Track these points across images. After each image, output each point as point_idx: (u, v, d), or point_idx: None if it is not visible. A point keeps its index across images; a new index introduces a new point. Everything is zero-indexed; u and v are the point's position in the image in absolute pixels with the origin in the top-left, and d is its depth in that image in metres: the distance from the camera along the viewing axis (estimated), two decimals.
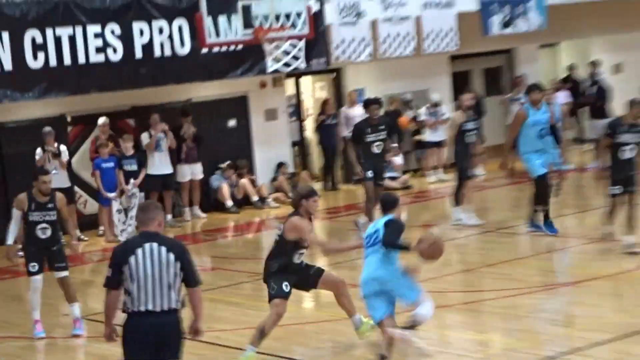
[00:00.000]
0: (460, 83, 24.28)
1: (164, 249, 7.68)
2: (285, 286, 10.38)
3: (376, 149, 16.67)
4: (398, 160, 22.27)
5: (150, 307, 7.66)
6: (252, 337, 10.43)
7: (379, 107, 17.68)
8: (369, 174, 16.60)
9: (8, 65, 17.36)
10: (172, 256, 7.68)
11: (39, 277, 12.29)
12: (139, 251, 7.67)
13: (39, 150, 18.08)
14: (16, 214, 12.36)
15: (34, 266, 12.25)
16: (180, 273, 7.71)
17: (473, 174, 17.76)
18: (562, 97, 22.54)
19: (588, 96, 23.79)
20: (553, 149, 16.05)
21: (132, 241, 8.13)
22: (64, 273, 12.44)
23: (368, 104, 17.25)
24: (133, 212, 18.55)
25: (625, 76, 25.14)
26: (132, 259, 7.66)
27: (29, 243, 12.38)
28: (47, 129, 18.29)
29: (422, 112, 22.80)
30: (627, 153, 14.03)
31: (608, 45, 25.95)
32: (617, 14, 25.26)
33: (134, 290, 7.66)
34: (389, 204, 9.93)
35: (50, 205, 12.26)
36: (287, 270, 10.43)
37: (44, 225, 12.20)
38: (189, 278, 7.81)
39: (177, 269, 7.69)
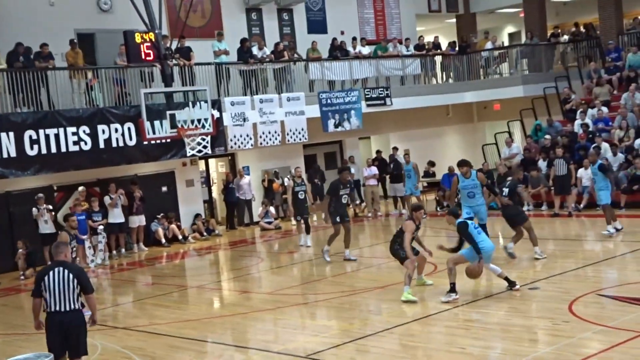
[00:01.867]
0: (309, 161, 24.40)
1: (66, 271, 7.93)
2: (403, 253, 11.66)
3: (343, 199, 15.49)
4: (272, 210, 22.16)
5: (58, 308, 7.89)
6: (405, 280, 11.36)
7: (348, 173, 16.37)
8: (338, 219, 15.28)
9: (13, 153, 16.88)
10: (71, 275, 7.91)
11: None
12: (51, 273, 7.94)
13: (34, 209, 17.51)
14: None
15: None
16: (78, 286, 7.92)
17: (302, 218, 17.74)
18: (373, 169, 22.74)
19: (390, 170, 24.00)
20: None
21: (47, 266, 8.29)
22: None
23: (341, 170, 15.97)
24: (100, 247, 18.10)
25: (412, 157, 25.60)
26: (46, 278, 7.93)
27: None
28: (39, 195, 17.79)
29: (286, 180, 22.71)
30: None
31: (400, 138, 26.40)
32: (405, 118, 25.80)
33: (47, 298, 7.91)
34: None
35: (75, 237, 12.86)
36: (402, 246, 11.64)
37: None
38: (85, 288, 8.00)
39: (75, 283, 7.89)
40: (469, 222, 11.39)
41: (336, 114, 22.90)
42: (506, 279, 11.43)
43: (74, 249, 12.49)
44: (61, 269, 7.94)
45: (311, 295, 12.75)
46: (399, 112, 24.97)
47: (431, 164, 22.76)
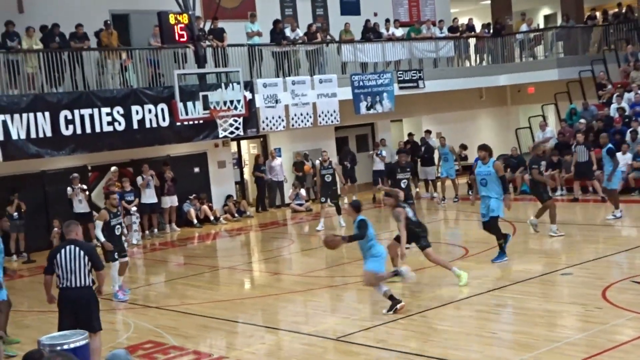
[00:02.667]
0: (341, 144, 24.40)
1: (77, 248, 8.16)
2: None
3: (402, 184, 15.35)
4: (303, 193, 22.22)
5: (69, 284, 8.14)
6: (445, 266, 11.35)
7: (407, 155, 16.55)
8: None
9: (49, 133, 17.01)
10: (82, 252, 8.14)
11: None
12: (62, 250, 8.19)
13: (69, 189, 17.74)
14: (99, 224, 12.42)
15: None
16: (89, 263, 8.14)
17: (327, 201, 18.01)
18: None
19: (422, 154, 23.84)
20: None
21: (59, 245, 8.56)
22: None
23: (398, 152, 17.86)
24: (134, 228, 18.31)
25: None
26: (58, 255, 8.18)
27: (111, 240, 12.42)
28: (74, 174, 18.04)
29: (317, 162, 22.66)
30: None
31: (433, 121, 26.24)
32: (438, 101, 25.64)
33: (60, 274, 8.17)
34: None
35: (119, 214, 12.81)
36: None
37: (118, 226, 12.57)
38: (95, 265, 8.23)
39: (85, 260, 8.12)
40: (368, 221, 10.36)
41: (368, 96, 22.83)
42: (390, 297, 10.10)
43: (120, 225, 12.57)
44: (72, 246, 8.18)
45: (341, 277, 12.78)
46: (431, 95, 24.81)
47: (463, 147, 22.59)
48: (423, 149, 23.03)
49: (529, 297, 10.36)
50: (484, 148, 13.01)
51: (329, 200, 17.95)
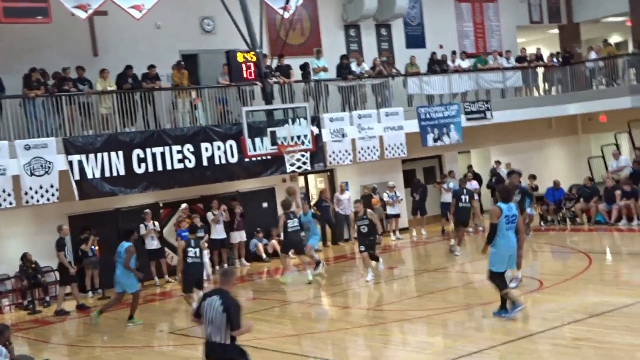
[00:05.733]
0: (408, 176, 24.29)
1: (219, 301, 7.50)
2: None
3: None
4: None
5: (209, 338, 7.54)
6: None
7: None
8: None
9: (122, 172, 17.35)
10: (222, 307, 7.47)
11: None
12: (207, 299, 7.63)
13: (142, 226, 18.12)
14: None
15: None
16: (227, 320, 7.43)
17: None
18: (474, 184, 22.47)
19: (492, 184, 23.52)
20: None
21: (207, 292, 8.03)
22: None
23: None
24: (205, 262, 18.49)
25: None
26: (203, 303, 7.65)
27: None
28: (146, 210, 18.51)
29: (385, 195, 22.66)
30: None
31: (501, 151, 25.91)
32: (506, 131, 25.34)
33: (204, 324, 7.62)
34: None
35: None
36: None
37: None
38: (231, 324, 7.46)
39: (223, 317, 7.43)
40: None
41: (435, 128, 22.71)
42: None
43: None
44: (215, 297, 7.56)
45: (412, 311, 12.63)
46: (499, 126, 24.54)
47: (532, 177, 22.20)
48: (494, 179, 22.73)
49: (609, 330, 10.03)
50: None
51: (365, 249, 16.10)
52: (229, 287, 7.77)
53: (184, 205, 19.28)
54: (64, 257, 15.87)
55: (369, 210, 16.66)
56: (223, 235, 19.52)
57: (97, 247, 17.93)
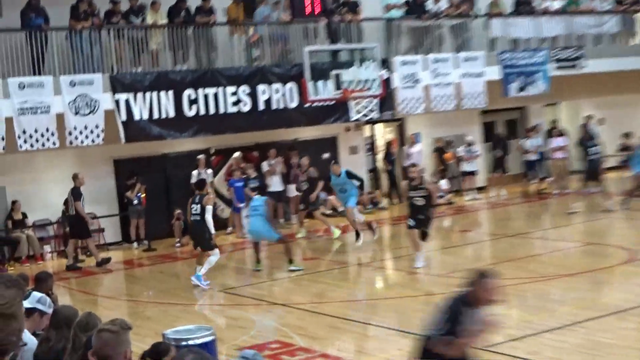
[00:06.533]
0: (487, 129, 24.07)
1: None
2: None
3: None
4: (444, 183, 22.04)
5: None
6: None
7: None
8: None
9: (172, 114, 17.52)
10: None
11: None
12: None
13: (194, 172, 18.33)
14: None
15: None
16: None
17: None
18: (561, 140, 22.08)
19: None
20: None
21: None
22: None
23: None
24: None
25: (607, 127, 24.53)
26: None
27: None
28: (201, 156, 18.72)
29: (461, 150, 22.50)
30: None
31: (593, 105, 25.34)
32: (600, 83, 24.71)
33: None
34: None
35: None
36: None
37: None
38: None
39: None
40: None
41: (520, 76, 22.34)
42: None
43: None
44: None
45: None
46: (592, 76, 23.94)
47: (626, 135, 21.68)
48: (584, 136, 22.24)
49: None
50: None
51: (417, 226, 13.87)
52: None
53: (237, 154, 19.42)
54: (82, 208, 15.92)
55: (426, 178, 16.35)
56: (280, 188, 19.59)
57: (143, 195, 18.24)
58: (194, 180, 18.38)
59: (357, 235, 16.32)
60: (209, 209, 13.37)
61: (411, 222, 13.69)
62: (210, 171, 18.79)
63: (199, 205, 13.46)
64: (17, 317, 2.52)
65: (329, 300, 11.93)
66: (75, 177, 16.11)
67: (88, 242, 16.33)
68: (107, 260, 16.14)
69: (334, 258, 15.52)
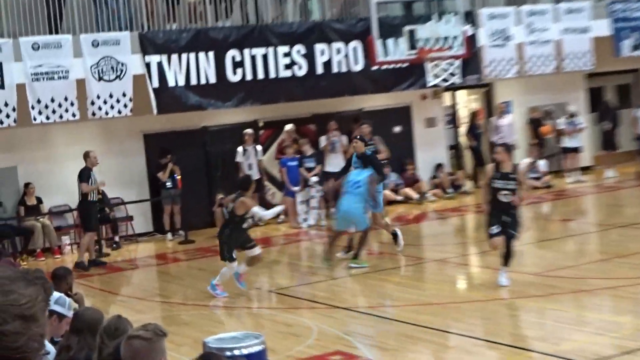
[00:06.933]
0: (595, 98, 23.74)
1: None
2: None
3: None
4: (541, 164, 21.84)
5: None
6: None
7: None
8: None
9: (212, 79, 17.65)
10: None
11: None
12: None
13: (240, 149, 18.44)
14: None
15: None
16: None
17: None
18: None
19: None
20: None
21: None
22: None
23: None
24: (313, 203, 18.68)
25: None
26: None
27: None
28: (248, 130, 18.81)
29: (561, 122, 22.26)
30: None
31: None
32: None
33: None
34: None
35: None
36: None
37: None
38: None
39: None
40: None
41: (634, 32, 22.03)
42: None
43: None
44: None
45: (594, 279, 12.44)
46: None
47: None
48: None
49: None
50: None
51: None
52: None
53: (289, 126, 19.47)
54: (90, 192, 15.82)
55: (520, 165, 14.62)
56: (340, 169, 19.54)
57: (179, 176, 18.41)
58: (239, 158, 18.56)
59: (395, 237, 15.29)
60: (255, 210, 13.01)
61: (493, 229, 12.13)
62: (259, 148, 18.89)
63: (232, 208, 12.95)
64: (38, 320, 2.57)
65: (400, 303, 11.93)
66: (86, 156, 16.00)
67: (86, 235, 16.04)
68: (100, 263, 16.14)
69: (404, 252, 15.46)
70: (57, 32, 16.58)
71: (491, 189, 12.17)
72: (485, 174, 13.17)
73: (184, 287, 14.34)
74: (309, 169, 18.86)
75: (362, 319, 11.41)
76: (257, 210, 13.20)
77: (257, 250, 12.96)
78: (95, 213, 16.12)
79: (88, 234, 16.06)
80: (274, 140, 20.07)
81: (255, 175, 18.51)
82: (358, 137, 15.04)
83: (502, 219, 12.06)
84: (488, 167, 12.78)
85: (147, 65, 17.05)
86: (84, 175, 15.80)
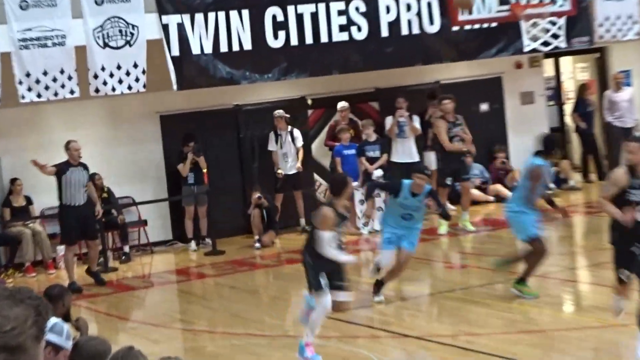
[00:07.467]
0: None
1: None
2: None
3: None
4: None
5: None
6: None
7: None
8: None
9: (247, 45, 17.71)
10: None
11: None
12: None
13: (272, 135, 18.50)
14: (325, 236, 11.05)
15: None
16: None
17: None
18: None
19: None
20: None
21: None
22: None
23: None
24: (378, 202, 18.58)
25: None
26: None
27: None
28: (279, 112, 18.81)
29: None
30: None
31: None
32: None
33: None
34: None
35: None
36: None
37: None
38: None
39: None
40: None
41: None
42: None
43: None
44: None
45: None
46: None
47: None
48: None
49: None
50: None
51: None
52: None
53: (342, 104, 19.42)
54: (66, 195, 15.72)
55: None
56: (411, 159, 19.45)
57: (204, 169, 18.48)
58: (272, 147, 18.52)
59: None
60: (324, 238, 10.96)
61: (627, 273, 10.54)
62: (297, 133, 18.93)
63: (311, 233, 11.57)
64: (27, 350, 2.57)
65: (488, 331, 11.91)
66: (67, 146, 15.79)
67: (65, 250, 16.14)
68: (98, 280, 16.11)
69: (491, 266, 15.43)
70: None
71: (622, 203, 10.41)
72: (609, 176, 11.62)
73: (211, 310, 14.44)
74: (371, 159, 18.73)
75: (439, 350, 11.39)
76: (325, 237, 11.13)
77: (346, 296, 11.44)
78: (73, 221, 15.79)
79: (67, 249, 16.09)
80: (326, 122, 20.13)
81: (290, 169, 18.59)
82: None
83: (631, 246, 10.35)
84: (618, 172, 10.90)
85: (165, 28, 17.19)
86: (60, 173, 15.61)
